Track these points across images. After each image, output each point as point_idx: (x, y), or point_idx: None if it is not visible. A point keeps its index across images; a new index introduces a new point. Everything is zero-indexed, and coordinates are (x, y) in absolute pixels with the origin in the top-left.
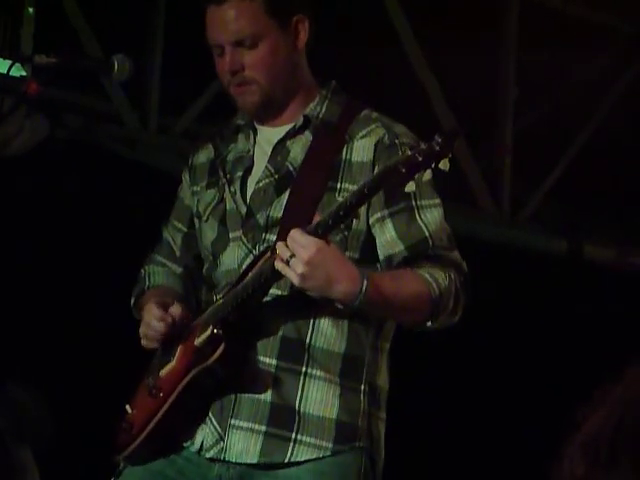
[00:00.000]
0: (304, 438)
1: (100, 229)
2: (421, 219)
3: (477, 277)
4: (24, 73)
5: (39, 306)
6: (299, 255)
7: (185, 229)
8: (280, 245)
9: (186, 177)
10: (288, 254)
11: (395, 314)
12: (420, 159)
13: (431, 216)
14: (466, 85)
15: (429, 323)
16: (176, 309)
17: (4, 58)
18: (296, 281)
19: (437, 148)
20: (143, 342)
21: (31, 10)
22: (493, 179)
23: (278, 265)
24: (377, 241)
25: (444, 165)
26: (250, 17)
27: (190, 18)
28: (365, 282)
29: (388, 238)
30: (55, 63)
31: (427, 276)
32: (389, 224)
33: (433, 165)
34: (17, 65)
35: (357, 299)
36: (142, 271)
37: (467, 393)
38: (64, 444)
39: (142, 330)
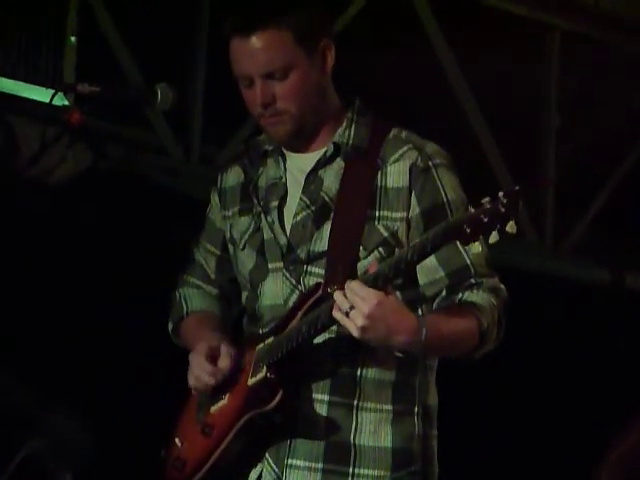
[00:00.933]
0: (362, 471)
1: (141, 260)
2: (463, 246)
3: (520, 308)
4: (67, 102)
5: (85, 336)
6: (359, 308)
7: (218, 252)
8: (338, 295)
9: (215, 199)
10: (347, 305)
11: (448, 353)
12: (486, 220)
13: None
14: (508, 112)
15: (475, 354)
16: (225, 361)
17: (47, 87)
18: (356, 334)
19: (502, 210)
20: (193, 391)
21: (73, 39)
22: (536, 209)
23: (337, 315)
24: (418, 267)
25: (511, 228)
26: (279, 48)
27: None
28: (424, 331)
29: (428, 264)
30: (98, 92)
31: (475, 310)
32: None
33: (499, 227)
34: (60, 94)
35: (417, 348)
36: (177, 294)
37: (508, 421)
38: (106, 470)
39: (192, 382)
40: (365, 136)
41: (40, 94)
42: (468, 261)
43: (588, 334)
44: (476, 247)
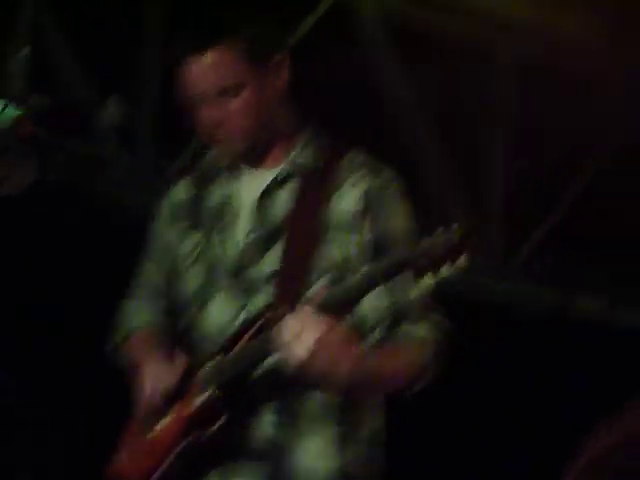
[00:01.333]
0: None
1: (87, 273)
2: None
3: (466, 329)
4: (18, 114)
5: (27, 352)
6: (303, 336)
7: (166, 265)
8: (281, 320)
9: (165, 212)
10: (291, 333)
11: (390, 386)
12: (439, 253)
13: None
14: (458, 127)
15: (412, 388)
16: (181, 362)
17: None
18: (296, 362)
19: (454, 242)
20: (149, 395)
21: (25, 51)
22: (484, 229)
23: (280, 346)
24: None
25: (463, 261)
26: (232, 65)
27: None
28: (366, 368)
29: (375, 292)
30: (48, 104)
31: (417, 345)
32: None
33: (450, 261)
34: (8, 106)
35: (355, 385)
36: (125, 307)
37: (448, 444)
38: None
39: (152, 384)
40: (321, 157)
41: None
42: (415, 292)
43: (535, 357)
44: (429, 279)
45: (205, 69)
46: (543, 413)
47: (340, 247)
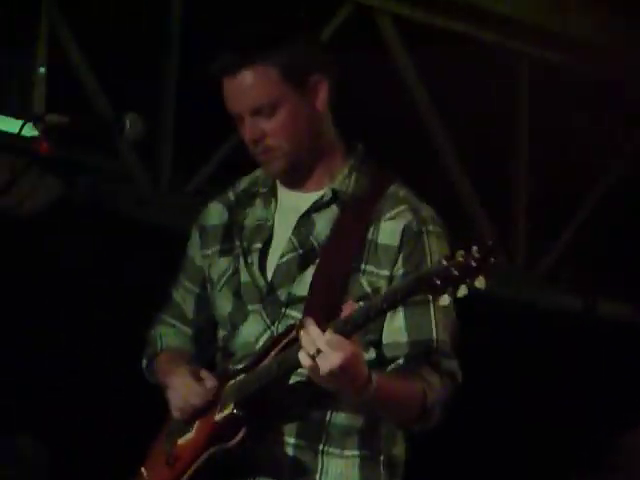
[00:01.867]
0: None
1: (111, 290)
2: (434, 316)
3: (492, 333)
4: (36, 133)
5: (45, 365)
6: (330, 356)
7: (197, 290)
8: (307, 339)
9: (196, 237)
10: (314, 349)
11: (386, 416)
12: (456, 273)
13: (443, 316)
14: (480, 137)
15: (415, 426)
16: (210, 383)
17: (16, 118)
18: (317, 380)
19: (474, 264)
20: (176, 414)
21: (42, 70)
22: (508, 238)
23: (303, 359)
24: (385, 325)
25: (480, 283)
26: (265, 85)
27: (203, 77)
28: (374, 387)
29: (396, 326)
30: (66, 122)
31: (425, 385)
32: (401, 312)
33: (468, 281)
34: (29, 125)
35: (363, 402)
36: (152, 332)
37: (481, 449)
38: None
39: (177, 403)
40: (365, 187)
41: (9, 124)
42: (434, 335)
43: (561, 361)
44: (444, 300)
45: (241, 89)
46: (567, 412)
47: (371, 279)
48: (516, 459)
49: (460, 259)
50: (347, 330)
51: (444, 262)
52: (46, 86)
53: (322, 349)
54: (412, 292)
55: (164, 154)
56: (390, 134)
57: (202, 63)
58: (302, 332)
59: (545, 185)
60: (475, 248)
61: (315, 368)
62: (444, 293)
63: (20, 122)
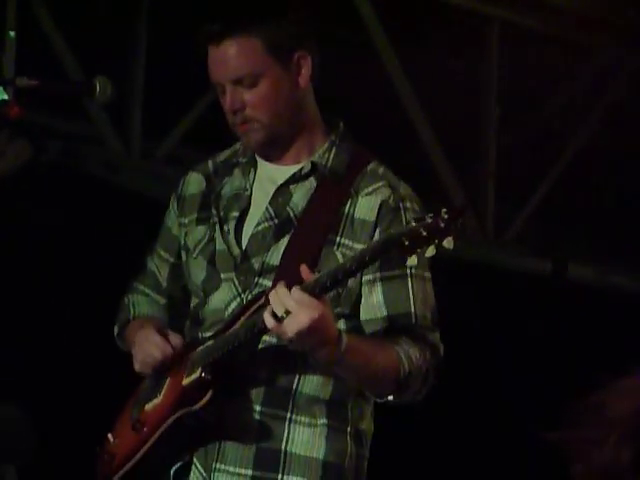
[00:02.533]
0: (291, 478)
1: (82, 253)
2: (413, 290)
3: (462, 297)
4: (6, 97)
5: (22, 327)
6: (298, 316)
7: (172, 259)
8: (275, 299)
9: (174, 206)
10: (282, 309)
11: (361, 382)
12: (424, 234)
13: (422, 289)
14: (449, 104)
15: (391, 397)
16: (175, 339)
17: None
18: (286, 340)
19: (442, 225)
20: (137, 367)
21: (12, 33)
22: (478, 201)
23: (269, 320)
24: (363, 300)
25: (448, 243)
26: (249, 55)
27: (172, 41)
28: (344, 346)
29: (374, 301)
30: (37, 86)
31: (402, 354)
32: (379, 287)
33: (437, 242)
34: None
35: (332, 361)
36: (125, 300)
37: (455, 406)
38: (45, 463)
39: (139, 357)
40: (343, 162)
41: None
42: (412, 308)
43: (530, 322)
44: (412, 259)
45: (224, 58)
46: (532, 372)
47: (345, 252)
48: (488, 417)
49: (429, 220)
50: (315, 291)
51: (413, 223)
52: (16, 50)
53: (290, 309)
54: (380, 252)
55: (135, 119)
56: (364, 106)
57: (171, 27)
58: (271, 293)
59: (513, 152)
60: (444, 210)
61: (282, 329)
62: (413, 253)
63: None
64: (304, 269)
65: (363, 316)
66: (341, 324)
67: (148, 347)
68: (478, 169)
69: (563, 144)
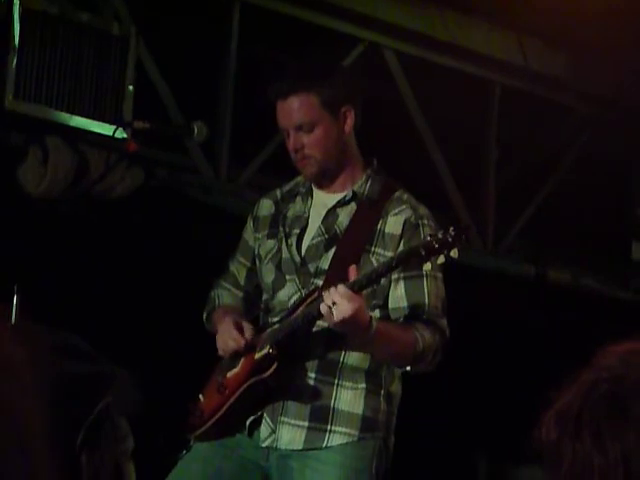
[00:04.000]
0: (337, 428)
1: (182, 256)
2: (427, 287)
3: (467, 296)
4: (125, 135)
5: (131, 326)
6: (342, 306)
7: (249, 264)
8: (326, 294)
9: (250, 224)
10: (331, 301)
11: (387, 356)
12: (436, 246)
13: (435, 286)
14: (460, 143)
15: (408, 367)
16: (248, 332)
17: (110, 124)
18: (332, 324)
19: (450, 239)
20: (220, 352)
21: (131, 87)
22: (480, 220)
23: (323, 308)
24: (390, 293)
25: (454, 254)
26: (308, 108)
27: (254, 89)
28: (373, 328)
29: (398, 294)
30: (149, 128)
31: (417, 334)
32: (402, 284)
33: (445, 252)
34: (120, 129)
35: (365, 340)
36: (212, 293)
37: (456, 393)
38: (147, 420)
39: (220, 345)
40: (377, 190)
41: (105, 129)
42: (426, 301)
43: (518, 315)
44: (427, 265)
45: (289, 110)
46: (519, 363)
47: (378, 258)
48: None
49: (440, 236)
50: (355, 288)
51: (428, 238)
52: (133, 99)
53: (336, 301)
54: (404, 259)
55: (223, 152)
56: (391, 142)
57: (253, 81)
58: (323, 290)
59: (508, 181)
60: (452, 228)
61: (331, 316)
62: (428, 261)
63: (114, 127)
64: (352, 269)
65: (390, 305)
66: (377, 312)
67: (228, 340)
68: (481, 193)
69: (546, 177)
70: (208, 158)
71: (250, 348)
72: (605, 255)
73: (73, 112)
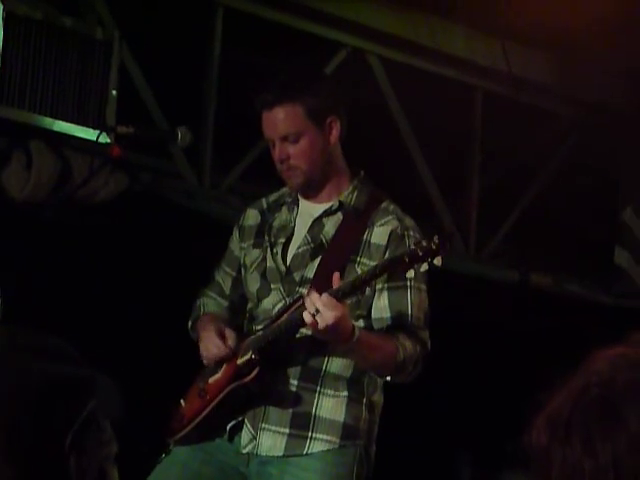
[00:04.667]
0: (318, 435)
1: (166, 261)
2: (411, 298)
3: (450, 301)
4: (109, 140)
5: (113, 331)
6: (325, 314)
7: (234, 274)
8: (308, 300)
9: (236, 234)
10: (314, 309)
11: (368, 365)
12: (420, 254)
13: (418, 298)
14: (444, 149)
15: (388, 377)
16: (232, 339)
17: (94, 128)
18: (315, 332)
19: (433, 247)
20: (203, 360)
21: (114, 92)
22: (463, 225)
23: (306, 316)
24: (373, 303)
25: (438, 262)
26: (293, 119)
27: (237, 95)
28: (356, 337)
29: (381, 304)
30: (132, 133)
31: (398, 344)
32: (385, 294)
33: (429, 260)
34: (103, 134)
35: (347, 347)
36: (197, 301)
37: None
38: (128, 425)
39: (203, 352)
40: (363, 201)
41: (89, 134)
42: (409, 312)
43: (500, 321)
44: (410, 273)
45: (274, 120)
46: (503, 358)
47: (363, 268)
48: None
49: (424, 244)
50: (338, 296)
51: (412, 246)
52: (117, 104)
53: (320, 309)
54: (388, 267)
55: (206, 158)
56: (377, 153)
57: (235, 86)
58: (306, 297)
59: (491, 187)
60: (436, 237)
61: (314, 323)
62: (411, 268)
63: (97, 132)
64: (336, 277)
65: (373, 315)
66: (360, 323)
67: (211, 347)
68: (464, 200)
69: (529, 183)
70: (192, 164)
71: (233, 355)
72: (588, 260)
73: (56, 117)
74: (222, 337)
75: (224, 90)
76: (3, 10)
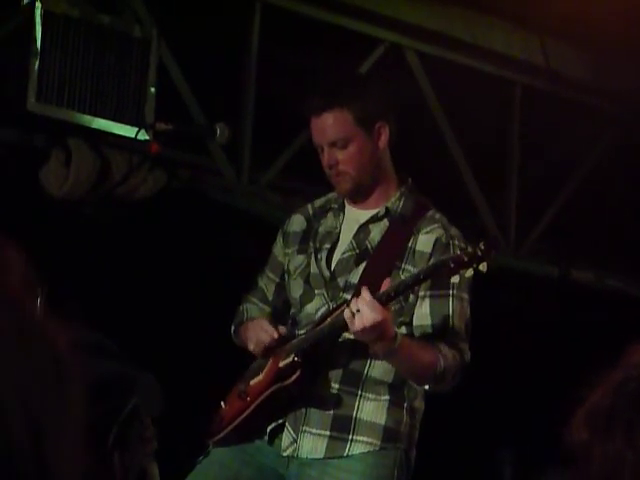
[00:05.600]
0: (359, 437)
1: (200, 259)
2: (452, 307)
3: (490, 298)
4: (148, 137)
5: (154, 329)
6: (365, 314)
7: (277, 280)
8: (354, 300)
9: (280, 240)
10: (356, 308)
11: (408, 372)
12: (466, 259)
13: (460, 308)
14: (484, 146)
15: (427, 386)
16: (283, 329)
17: (132, 126)
18: (353, 331)
19: (479, 253)
20: (251, 347)
21: (153, 89)
22: (503, 220)
23: (346, 314)
24: (416, 310)
25: (483, 267)
26: (342, 125)
27: (275, 91)
28: (397, 342)
29: (423, 312)
30: (171, 129)
31: (440, 355)
32: (427, 302)
33: (474, 266)
34: (142, 131)
35: (387, 352)
36: (240, 308)
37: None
38: (170, 424)
39: (252, 338)
40: (409, 208)
41: (127, 131)
42: (451, 322)
43: (541, 316)
44: (455, 278)
45: (323, 126)
46: (544, 354)
47: (406, 274)
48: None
49: (470, 250)
50: (382, 299)
51: (458, 252)
52: (155, 101)
53: (361, 309)
54: (432, 272)
55: (245, 154)
56: (416, 150)
57: (273, 83)
58: (354, 298)
59: (530, 180)
60: (482, 242)
61: (353, 322)
62: (456, 274)
63: (136, 129)
64: (386, 282)
65: (414, 322)
66: (403, 329)
67: (260, 332)
68: (504, 196)
69: (569, 177)
70: (230, 160)
71: (275, 357)
72: (628, 254)
73: (95, 114)
74: (272, 323)
75: (262, 86)
76: (41, 9)
